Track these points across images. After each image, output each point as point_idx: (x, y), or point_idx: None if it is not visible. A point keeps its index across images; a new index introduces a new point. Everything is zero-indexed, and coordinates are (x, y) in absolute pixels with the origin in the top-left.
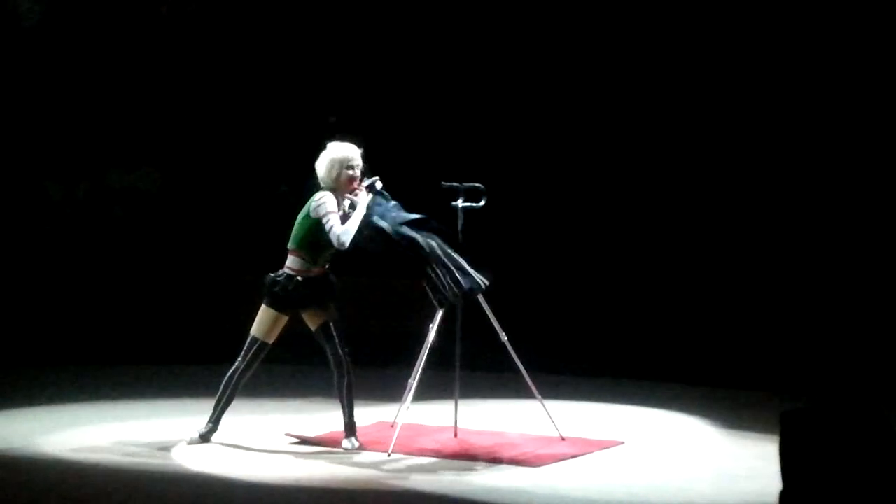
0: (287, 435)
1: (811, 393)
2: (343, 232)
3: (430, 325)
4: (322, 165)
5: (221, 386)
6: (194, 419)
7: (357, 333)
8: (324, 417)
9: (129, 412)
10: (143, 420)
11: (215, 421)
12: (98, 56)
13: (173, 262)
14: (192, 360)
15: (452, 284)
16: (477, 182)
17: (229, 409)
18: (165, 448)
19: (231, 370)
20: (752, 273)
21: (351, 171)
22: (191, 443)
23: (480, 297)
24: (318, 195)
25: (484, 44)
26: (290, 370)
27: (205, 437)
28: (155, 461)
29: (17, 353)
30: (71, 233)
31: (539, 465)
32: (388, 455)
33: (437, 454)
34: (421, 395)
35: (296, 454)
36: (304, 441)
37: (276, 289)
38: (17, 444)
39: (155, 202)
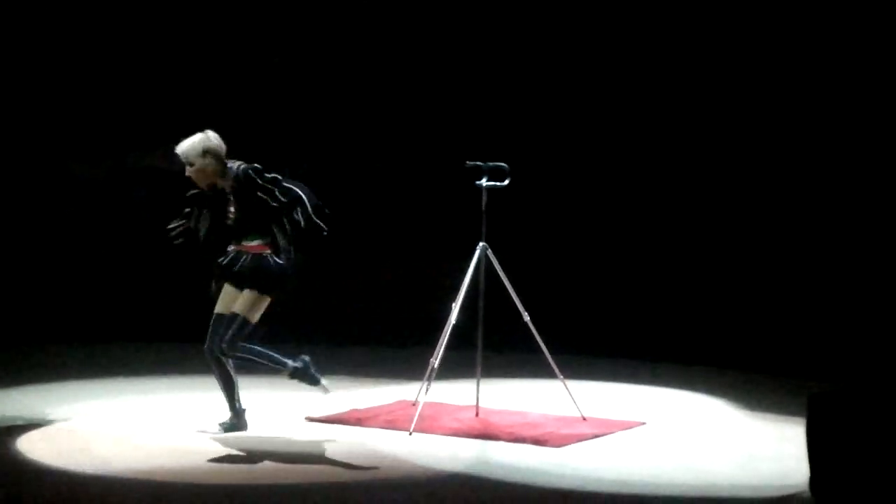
0: (308, 419)
1: (835, 376)
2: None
3: (453, 304)
4: (207, 144)
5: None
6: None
7: (380, 312)
8: (345, 396)
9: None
10: (162, 395)
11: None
12: (115, 35)
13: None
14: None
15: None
16: (501, 161)
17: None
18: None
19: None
20: (778, 255)
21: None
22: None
23: (505, 279)
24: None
25: (511, 21)
26: (309, 349)
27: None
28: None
29: (34, 331)
30: (94, 212)
31: (561, 446)
32: (410, 434)
33: (459, 433)
34: (443, 375)
35: (316, 434)
36: (324, 421)
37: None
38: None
39: (175, 182)
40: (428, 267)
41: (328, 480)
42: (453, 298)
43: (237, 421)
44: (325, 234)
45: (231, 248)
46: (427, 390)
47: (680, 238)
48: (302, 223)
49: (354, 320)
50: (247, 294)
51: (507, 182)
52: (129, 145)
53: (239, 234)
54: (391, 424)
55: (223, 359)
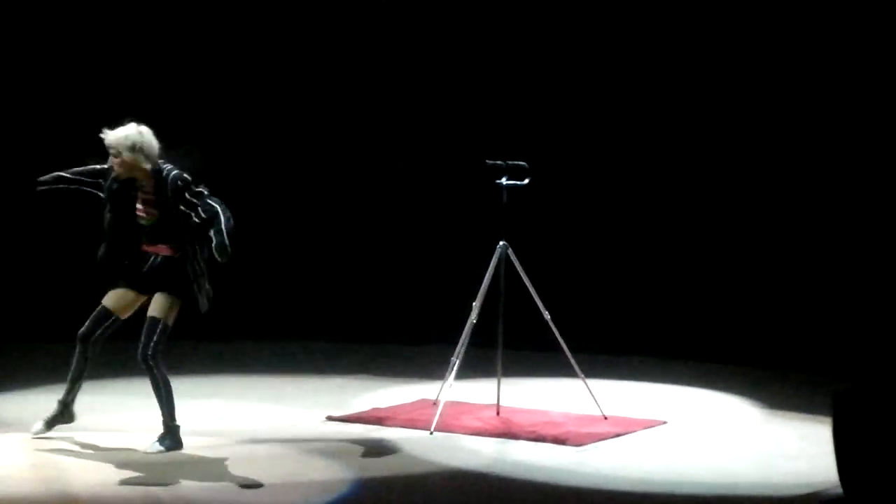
0: (329, 418)
1: (855, 373)
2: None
3: (473, 303)
4: (138, 141)
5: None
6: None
7: (400, 311)
8: (366, 395)
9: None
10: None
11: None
12: (136, 33)
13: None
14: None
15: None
16: (521, 160)
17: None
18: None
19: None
20: (799, 251)
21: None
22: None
23: (525, 278)
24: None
25: (532, 19)
26: (331, 347)
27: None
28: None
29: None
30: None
31: (581, 444)
32: (431, 433)
33: (480, 432)
34: (464, 373)
35: (337, 433)
36: (345, 420)
37: None
38: None
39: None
40: (448, 265)
41: (349, 480)
42: (474, 297)
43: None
44: (228, 259)
45: (142, 247)
46: (448, 389)
47: (700, 236)
48: (213, 242)
49: (374, 319)
50: (161, 298)
51: (527, 181)
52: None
53: (151, 236)
54: (412, 423)
55: (152, 367)
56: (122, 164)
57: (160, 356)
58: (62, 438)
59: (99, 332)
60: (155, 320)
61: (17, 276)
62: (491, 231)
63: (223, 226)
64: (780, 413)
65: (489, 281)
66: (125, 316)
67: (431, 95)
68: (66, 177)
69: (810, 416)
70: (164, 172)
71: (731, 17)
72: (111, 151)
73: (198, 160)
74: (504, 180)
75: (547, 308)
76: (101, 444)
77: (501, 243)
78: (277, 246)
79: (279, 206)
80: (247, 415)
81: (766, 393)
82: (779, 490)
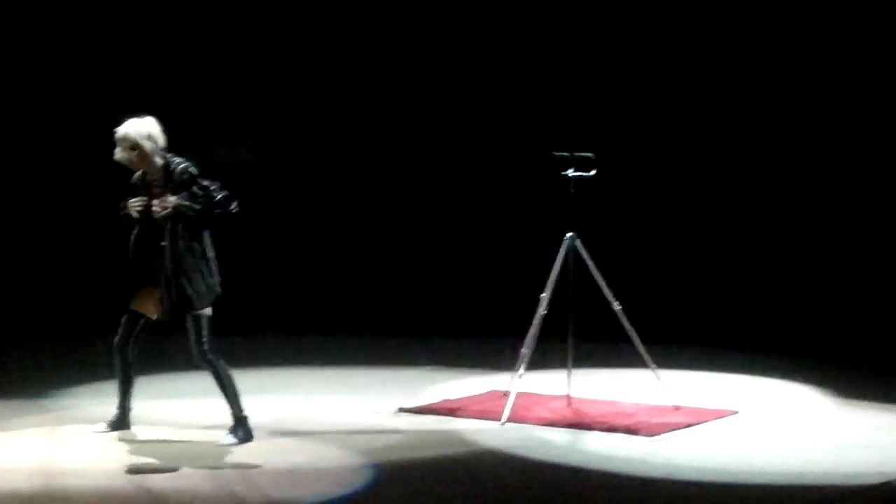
0: (400, 410)
1: None
2: None
3: (542, 295)
4: (151, 133)
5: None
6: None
7: (471, 303)
8: (437, 386)
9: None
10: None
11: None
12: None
13: (275, 235)
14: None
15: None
16: (588, 151)
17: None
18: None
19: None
20: (869, 243)
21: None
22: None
23: (593, 269)
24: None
25: (600, 11)
26: (403, 340)
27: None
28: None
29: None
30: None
31: (653, 435)
32: (502, 424)
33: (551, 423)
34: (534, 364)
35: (408, 424)
36: (417, 411)
37: None
38: None
39: (258, 175)
40: (517, 258)
41: (420, 469)
42: (543, 289)
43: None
44: (232, 210)
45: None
46: (519, 380)
47: (771, 227)
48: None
49: (445, 311)
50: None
51: (594, 172)
52: (217, 139)
53: (163, 231)
54: (483, 414)
55: (212, 360)
56: (140, 155)
57: (216, 349)
58: (126, 434)
59: (135, 335)
60: (194, 318)
61: (82, 274)
62: (558, 223)
63: (216, 202)
64: (852, 402)
65: (558, 272)
66: (153, 317)
67: (498, 87)
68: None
69: (883, 406)
70: (172, 165)
71: (795, 12)
72: (125, 144)
73: (251, 155)
74: (571, 172)
75: (616, 298)
76: (166, 438)
77: (569, 234)
78: (354, 241)
79: (355, 200)
80: (319, 407)
81: (838, 382)
82: (851, 479)
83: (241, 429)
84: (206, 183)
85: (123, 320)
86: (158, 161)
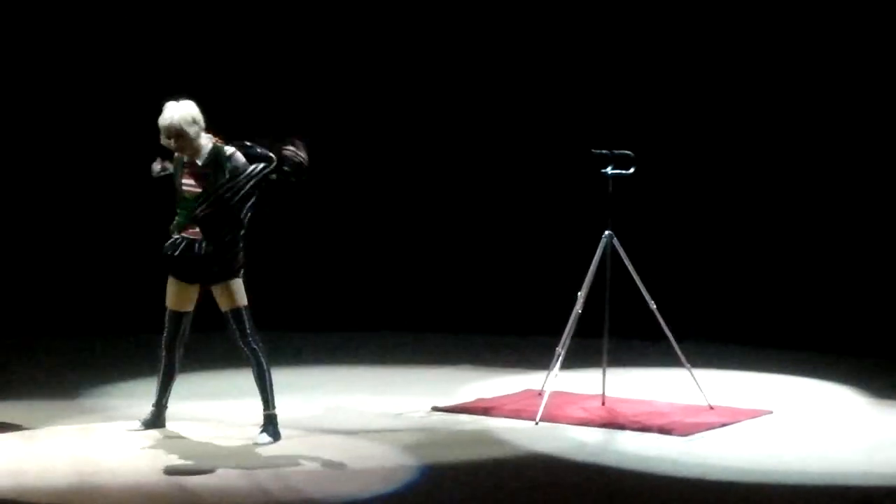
0: (434, 409)
1: None
2: None
3: (579, 293)
4: (194, 117)
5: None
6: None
7: (506, 301)
8: (471, 385)
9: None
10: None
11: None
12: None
13: (314, 231)
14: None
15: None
16: (627, 149)
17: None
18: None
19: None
20: None
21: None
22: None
23: (630, 267)
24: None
25: (637, 10)
26: (437, 338)
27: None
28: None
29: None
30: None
31: (688, 434)
32: (536, 423)
33: (585, 422)
34: (569, 363)
35: (442, 423)
36: (451, 410)
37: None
38: None
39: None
40: (554, 256)
41: (454, 468)
42: (579, 287)
43: (270, 426)
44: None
45: (177, 235)
46: (553, 379)
47: (806, 225)
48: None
49: (480, 309)
50: (223, 289)
51: (632, 170)
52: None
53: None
54: (517, 413)
55: (256, 350)
56: (186, 140)
57: (260, 340)
58: (161, 433)
59: (179, 332)
60: (233, 311)
61: (112, 268)
62: (596, 221)
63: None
64: (886, 401)
65: (595, 271)
66: (191, 309)
67: (539, 84)
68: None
69: None
70: (216, 147)
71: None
72: (171, 133)
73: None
74: (609, 169)
75: (652, 297)
76: (200, 437)
77: (607, 233)
78: (393, 238)
79: (388, 196)
80: (354, 404)
81: (873, 381)
82: (887, 479)
83: (272, 427)
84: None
85: (167, 318)
86: (205, 143)
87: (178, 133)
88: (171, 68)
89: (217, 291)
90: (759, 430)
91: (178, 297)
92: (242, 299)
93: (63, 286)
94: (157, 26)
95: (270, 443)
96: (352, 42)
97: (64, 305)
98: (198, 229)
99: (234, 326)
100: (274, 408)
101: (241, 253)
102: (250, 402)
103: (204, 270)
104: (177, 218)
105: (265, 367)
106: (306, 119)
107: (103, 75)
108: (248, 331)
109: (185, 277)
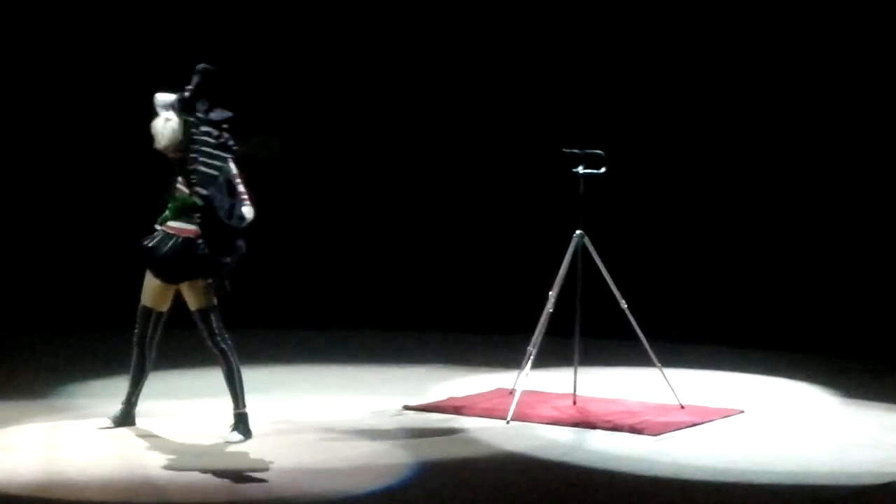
0: (405, 408)
1: None
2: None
3: (550, 292)
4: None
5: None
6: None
7: (476, 300)
8: (443, 385)
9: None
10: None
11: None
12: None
13: (289, 228)
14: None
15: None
16: (597, 149)
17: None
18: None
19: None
20: (875, 240)
21: None
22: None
23: (602, 267)
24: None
25: (605, 8)
26: (408, 337)
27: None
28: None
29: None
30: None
31: (658, 434)
32: (507, 422)
33: (557, 421)
34: (540, 363)
35: (414, 422)
36: (422, 409)
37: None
38: None
39: (275, 170)
40: (525, 255)
41: (425, 467)
42: (550, 286)
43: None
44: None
45: (158, 227)
46: (525, 378)
47: (776, 224)
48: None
49: (452, 308)
50: (193, 289)
51: (603, 169)
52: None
53: (178, 212)
54: (489, 413)
55: (225, 350)
56: (170, 126)
57: (229, 339)
58: (130, 430)
59: (150, 330)
60: (201, 311)
61: (87, 265)
62: (567, 220)
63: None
64: (857, 402)
65: (566, 270)
66: (165, 308)
67: (509, 84)
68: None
69: (888, 405)
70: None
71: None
72: (173, 146)
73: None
74: (580, 169)
75: (624, 297)
76: (170, 434)
77: (578, 232)
78: (358, 236)
79: (357, 194)
80: (324, 404)
81: (843, 381)
82: (857, 479)
83: (242, 425)
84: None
85: (138, 314)
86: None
87: (168, 115)
88: (161, 65)
89: (186, 290)
90: (730, 429)
91: (153, 294)
92: (211, 299)
93: (35, 284)
94: (142, 20)
95: (241, 441)
96: (334, 43)
97: (35, 304)
98: (179, 226)
99: (203, 326)
100: (244, 406)
101: (208, 252)
102: (221, 401)
103: (175, 267)
104: (167, 212)
105: (234, 366)
106: (280, 116)
107: (95, 75)
108: (217, 330)
109: (160, 274)
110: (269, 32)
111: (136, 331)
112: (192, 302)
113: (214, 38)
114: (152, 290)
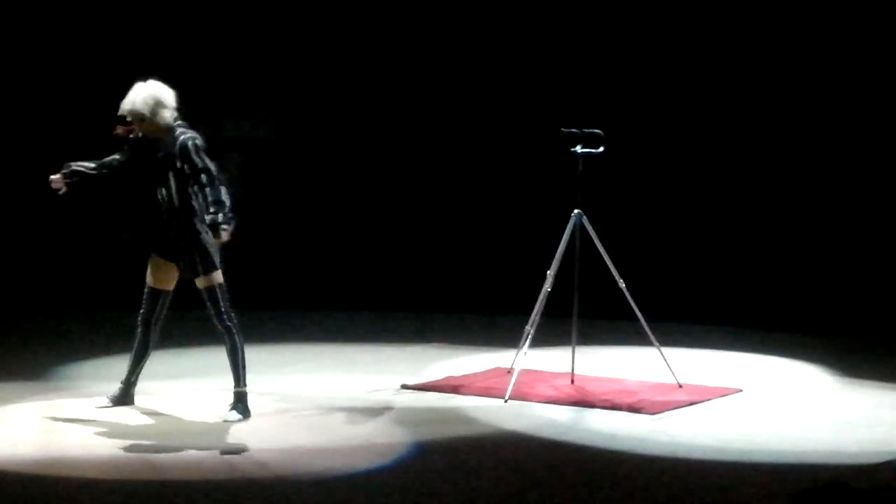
0: (403, 387)
1: None
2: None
3: (548, 272)
4: (158, 100)
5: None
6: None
7: (475, 280)
8: (441, 364)
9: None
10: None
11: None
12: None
13: (288, 210)
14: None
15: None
16: (596, 128)
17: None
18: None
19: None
20: (874, 221)
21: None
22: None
23: (600, 246)
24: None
25: None
26: (406, 316)
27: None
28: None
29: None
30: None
31: (656, 413)
32: (505, 401)
33: (554, 400)
34: (538, 342)
35: (411, 401)
36: (420, 388)
37: None
38: None
39: (272, 151)
40: (523, 234)
41: (421, 447)
42: (549, 265)
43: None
44: (221, 239)
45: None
46: (523, 357)
47: (775, 204)
48: (207, 220)
49: (450, 288)
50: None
51: (602, 149)
52: (225, 114)
53: (171, 206)
54: (486, 392)
55: (231, 328)
56: (149, 126)
57: (235, 317)
58: (129, 410)
59: (157, 311)
60: (208, 289)
61: (90, 246)
62: (566, 199)
63: (223, 211)
64: (855, 381)
65: (564, 249)
66: (169, 288)
67: (508, 64)
68: (82, 171)
69: (886, 384)
70: (178, 132)
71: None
72: (135, 118)
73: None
74: (579, 148)
75: (621, 276)
76: (169, 414)
77: (576, 212)
78: (360, 217)
79: (356, 177)
80: (322, 383)
81: (842, 360)
82: (855, 458)
83: (241, 405)
84: (206, 163)
85: (145, 294)
86: (171, 126)
87: (140, 117)
88: (158, 58)
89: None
90: (728, 408)
91: (158, 274)
92: (218, 277)
93: (35, 264)
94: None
95: (240, 420)
96: (329, 36)
97: (35, 284)
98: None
99: (210, 304)
100: (245, 385)
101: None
102: (221, 381)
103: (180, 249)
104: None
105: (238, 344)
106: (275, 110)
107: (92, 69)
108: (223, 309)
109: (165, 254)
110: (268, 18)
111: (141, 311)
112: (199, 281)
113: (214, 33)
114: (155, 270)
